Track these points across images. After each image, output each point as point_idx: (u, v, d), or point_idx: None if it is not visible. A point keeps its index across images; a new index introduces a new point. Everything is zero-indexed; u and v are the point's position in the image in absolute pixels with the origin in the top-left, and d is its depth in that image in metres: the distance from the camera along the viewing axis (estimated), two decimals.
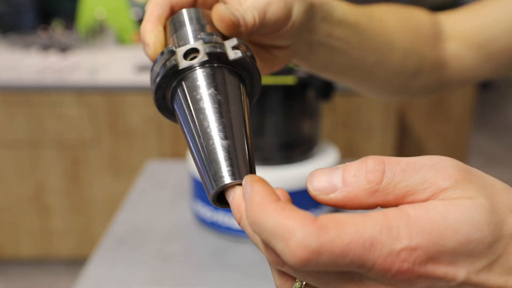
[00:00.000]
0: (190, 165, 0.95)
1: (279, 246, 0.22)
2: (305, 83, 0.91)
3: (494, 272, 0.23)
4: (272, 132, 0.94)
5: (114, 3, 2.58)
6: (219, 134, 0.30)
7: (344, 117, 2.02)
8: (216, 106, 0.32)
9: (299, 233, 0.22)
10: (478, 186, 0.24)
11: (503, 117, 4.36)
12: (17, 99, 2.01)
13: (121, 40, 2.62)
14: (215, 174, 0.29)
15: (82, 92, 1.99)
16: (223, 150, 0.30)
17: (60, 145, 2.06)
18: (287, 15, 0.39)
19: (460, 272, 0.23)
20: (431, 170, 0.24)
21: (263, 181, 0.26)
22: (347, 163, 0.25)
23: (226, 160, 0.30)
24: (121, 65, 2.22)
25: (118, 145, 2.06)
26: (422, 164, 0.24)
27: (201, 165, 0.31)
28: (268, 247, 0.24)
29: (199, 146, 0.31)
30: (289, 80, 0.90)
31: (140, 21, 2.88)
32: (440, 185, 0.24)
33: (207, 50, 0.33)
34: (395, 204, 0.24)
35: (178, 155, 2.01)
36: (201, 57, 0.33)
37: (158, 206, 1.04)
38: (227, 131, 0.31)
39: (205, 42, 0.34)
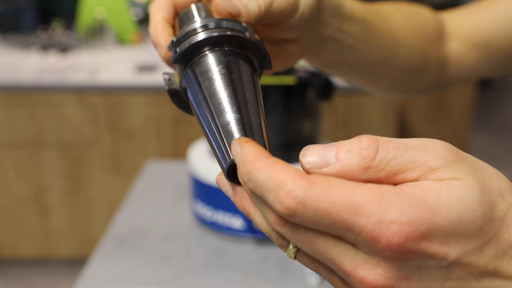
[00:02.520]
0: (190, 165, 0.95)
1: (270, 197, 0.24)
2: (305, 83, 0.91)
3: (485, 255, 0.23)
4: (272, 132, 0.94)
5: (114, 3, 2.58)
6: (232, 110, 0.31)
7: (344, 117, 2.02)
8: (228, 85, 0.32)
9: (288, 185, 0.23)
10: (468, 168, 0.24)
11: (503, 116, 4.36)
12: (17, 99, 2.01)
13: (121, 40, 2.62)
14: (229, 146, 0.29)
15: (82, 92, 1.99)
16: (236, 124, 0.30)
17: (60, 145, 2.06)
18: (294, 5, 0.40)
19: (451, 252, 0.23)
20: (422, 150, 0.25)
21: (252, 141, 0.26)
22: (340, 141, 0.26)
23: (239, 130, 0.30)
24: (121, 65, 2.22)
25: (118, 145, 2.06)
26: (414, 145, 0.25)
27: (215, 143, 0.31)
28: (265, 207, 0.25)
29: (213, 125, 0.31)
30: (289, 80, 0.90)
31: (140, 21, 2.88)
32: (431, 164, 0.24)
33: (213, 34, 0.34)
34: (386, 182, 0.25)
35: (178, 155, 2.01)
36: (209, 42, 0.34)
37: (158, 206, 1.04)
38: (241, 107, 0.31)
39: (209, 28, 0.35)
